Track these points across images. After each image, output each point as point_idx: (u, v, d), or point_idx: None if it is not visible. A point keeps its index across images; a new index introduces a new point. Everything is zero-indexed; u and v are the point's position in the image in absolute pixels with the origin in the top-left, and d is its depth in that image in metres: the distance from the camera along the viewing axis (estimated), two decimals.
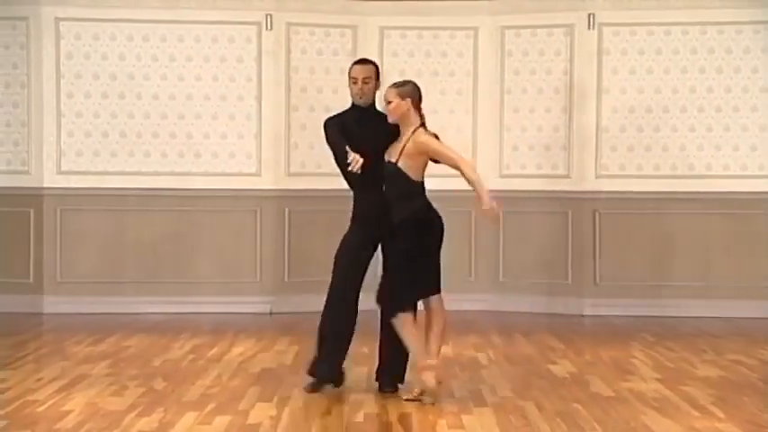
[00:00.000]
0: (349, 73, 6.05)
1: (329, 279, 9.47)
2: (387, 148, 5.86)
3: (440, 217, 5.77)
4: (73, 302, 8.95)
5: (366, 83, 5.95)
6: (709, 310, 8.91)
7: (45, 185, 9.07)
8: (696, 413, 5.48)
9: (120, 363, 6.76)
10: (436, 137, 5.78)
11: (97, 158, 9.12)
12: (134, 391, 5.91)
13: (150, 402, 5.62)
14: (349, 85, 6.04)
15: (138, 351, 7.21)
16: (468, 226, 9.33)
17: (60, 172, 9.10)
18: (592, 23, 9.11)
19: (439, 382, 5.66)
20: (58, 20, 9.06)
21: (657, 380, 6.33)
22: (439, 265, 5.76)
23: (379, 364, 6.03)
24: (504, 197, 9.26)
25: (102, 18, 9.07)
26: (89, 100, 9.12)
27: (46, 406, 5.53)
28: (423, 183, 5.78)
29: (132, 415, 5.34)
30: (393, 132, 5.86)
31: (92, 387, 5.99)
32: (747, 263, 9.03)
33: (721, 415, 5.43)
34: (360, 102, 5.99)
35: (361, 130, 5.88)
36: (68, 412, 5.39)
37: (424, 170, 5.79)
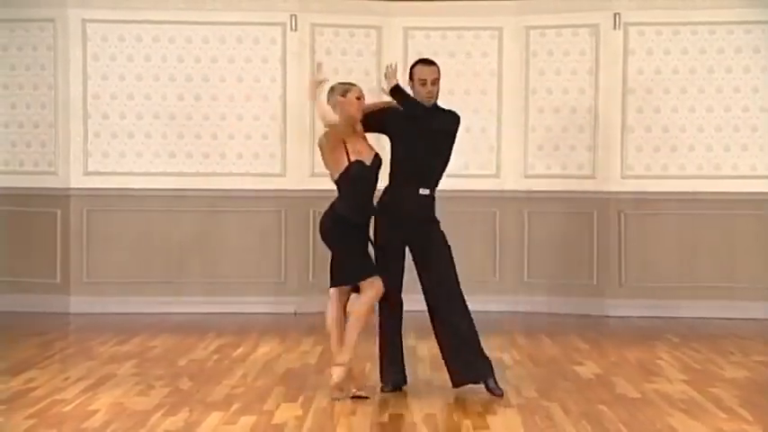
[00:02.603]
0: (412, 74, 5.95)
1: None
2: (439, 148, 5.90)
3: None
4: (99, 302, 8.99)
5: (434, 84, 5.91)
6: (735, 312, 8.84)
7: (72, 186, 9.12)
8: (723, 415, 5.43)
9: (146, 363, 6.79)
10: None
11: (123, 159, 9.16)
12: (160, 390, 5.92)
13: (176, 402, 5.63)
14: (414, 87, 5.93)
15: (163, 351, 7.23)
16: (493, 227, 9.30)
17: (87, 173, 9.14)
18: (617, 23, 9.05)
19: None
20: (84, 21, 9.11)
21: (684, 381, 6.28)
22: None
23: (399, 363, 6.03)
24: (528, 198, 9.27)
25: (128, 20, 9.11)
26: (115, 101, 9.16)
27: (73, 405, 5.55)
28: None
29: (158, 415, 5.36)
30: (449, 127, 5.90)
31: (118, 387, 6.01)
32: None
33: (749, 417, 5.38)
34: (428, 103, 5.92)
35: (414, 128, 5.85)
36: (95, 412, 5.41)
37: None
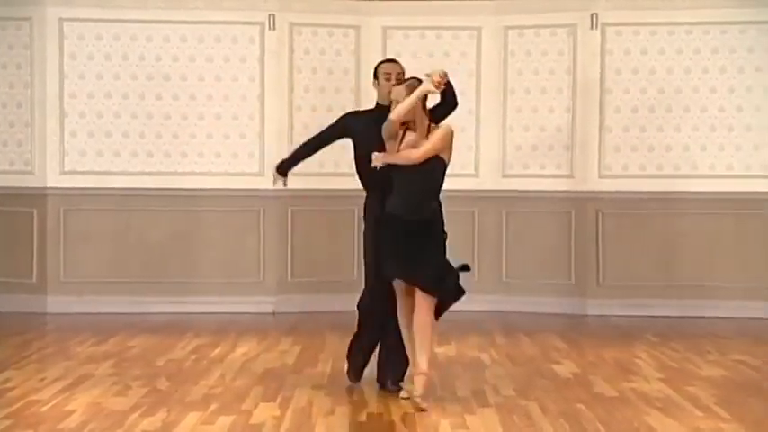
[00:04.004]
0: (378, 72, 6.02)
1: (332, 279, 9.49)
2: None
3: None
4: (76, 302, 8.94)
5: (399, 80, 5.94)
6: (713, 311, 8.88)
7: (48, 185, 9.07)
8: (700, 413, 5.46)
9: (124, 363, 6.75)
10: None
11: (100, 158, 9.12)
12: (137, 390, 5.90)
13: (154, 402, 5.61)
14: (378, 84, 6.01)
15: (141, 351, 7.20)
16: (472, 226, 9.32)
17: (64, 172, 9.09)
18: (595, 23, 9.09)
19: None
20: (61, 20, 9.06)
21: (661, 380, 6.31)
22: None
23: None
24: (507, 197, 9.29)
25: (106, 18, 9.06)
26: (92, 100, 9.11)
27: (49, 406, 5.52)
28: None
29: (135, 415, 5.33)
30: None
31: (95, 387, 5.98)
32: (751, 263, 9.00)
33: (725, 415, 5.41)
34: (388, 101, 5.93)
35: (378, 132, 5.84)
36: (72, 412, 5.38)
37: None
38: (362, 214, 6.09)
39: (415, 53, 9.32)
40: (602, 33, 9.10)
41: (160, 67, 9.13)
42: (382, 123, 5.69)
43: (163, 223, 9.12)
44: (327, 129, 6.25)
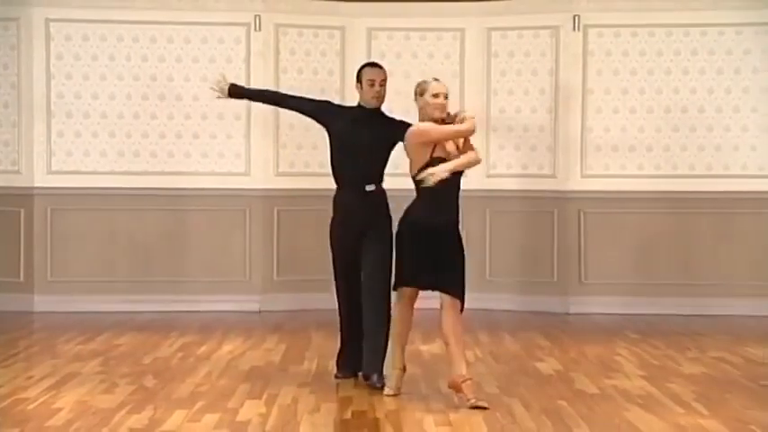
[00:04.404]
0: (361, 76, 6.02)
1: (318, 277, 9.49)
2: (383, 151, 5.95)
3: None
4: (63, 301, 8.92)
5: (382, 85, 5.98)
6: (693, 308, 8.93)
7: (35, 185, 9.04)
8: (680, 410, 5.49)
9: (111, 361, 6.74)
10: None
11: (87, 158, 9.09)
12: (124, 388, 5.89)
13: (140, 400, 5.60)
14: (361, 88, 6.02)
15: (128, 349, 7.18)
16: None
17: (51, 172, 9.07)
18: (577, 25, 9.12)
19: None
20: (48, 21, 9.03)
21: (642, 377, 6.34)
22: None
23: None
24: (490, 197, 9.31)
25: (92, 19, 9.04)
26: (79, 100, 9.09)
27: (36, 404, 5.51)
28: None
29: (122, 412, 5.32)
30: (392, 136, 5.92)
31: (82, 385, 5.97)
32: (730, 261, 9.05)
33: (705, 412, 5.44)
34: (374, 104, 5.99)
35: (363, 130, 5.91)
36: (59, 410, 5.37)
37: None
38: (333, 208, 6.13)
39: (400, 54, 9.34)
40: (584, 35, 9.13)
41: (147, 67, 9.11)
42: (360, 123, 5.87)
43: (149, 223, 9.11)
44: (309, 98, 6.29)
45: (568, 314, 9.03)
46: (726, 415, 5.37)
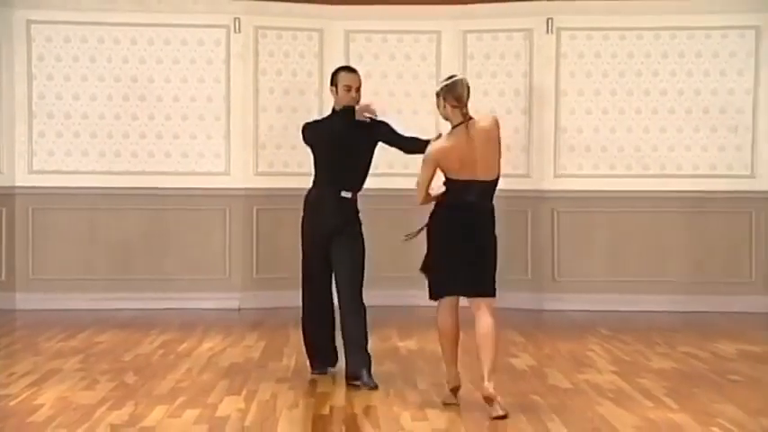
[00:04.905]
0: (337, 81, 6.00)
1: (296, 275, 9.46)
2: (366, 153, 5.96)
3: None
4: (45, 299, 8.88)
5: (358, 91, 5.99)
6: (662, 305, 8.99)
7: (17, 185, 8.99)
8: (650, 404, 5.53)
9: (92, 358, 6.72)
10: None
11: (69, 158, 9.06)
12: (105, 385, 5.87)
13: (121, 396, 5.59)
14: (336, 92, 6.02)
15: (109, 346, 7.16)
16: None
17: (32, 171, 9.02)
18: (550, 28, 9.16)
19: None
20: (29, 22, 8.98)
21: (613, 372, 6.38)
22: None
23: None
24: None
25: (74, 21, 9.00)
26: (60, 101, 9.05)
27: (18, 400, 5.49)
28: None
29: (103, 408, 5.31)
30: (374, 136, 5.95)
31: (63, 382, 5.95)
32: (699, 259, 9.12)
33: (674, 406, 5.49)
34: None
35: (343, 136, 5.90)
36: (40, 406, 5.35)
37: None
38: (303, 204, 6.11)
39: (377, 56, 9.35)
40: (557, 38, 9.17)
41: (127, 68, 9.08)
42: (339, 127, 5.85)
43: (130, 221, 9.08)
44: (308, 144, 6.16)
45: (542, 311, 9.07)
46: (694, 409, 5.41)
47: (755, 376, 6.29)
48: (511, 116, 9.24)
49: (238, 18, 9.14)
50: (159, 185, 9.09)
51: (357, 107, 5.91)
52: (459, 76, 5.52)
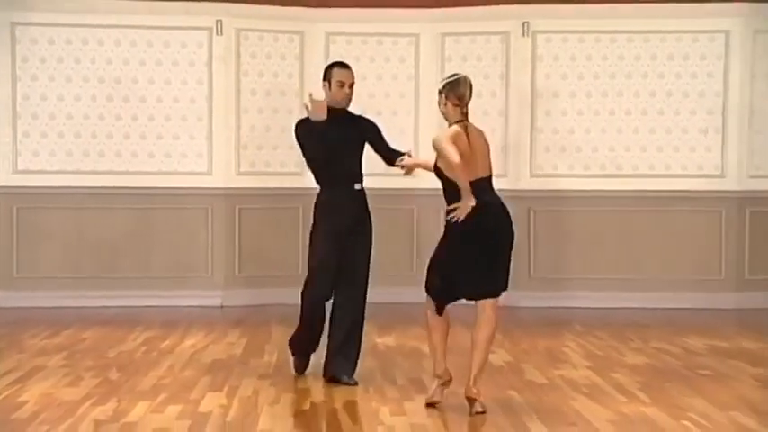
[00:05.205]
0: (330, 76, 5.84)
1: (278, 273, 9.45)
2: (359, 150, 5.84)
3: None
4: (29, 297, 8.82)
5: (351, 87, 5.85)
6: (636, 302, 9.02)
7: (1, 185, 8.92)
8: (623, 398, 5.55)
9: (76, 355, 6.68)
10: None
11: (53, 158, 9.00)
12: (89, 381, 5.84)
13: (105, 392, 5.55)
14: (329, 88, 5.83)
15: (93, 343, 7.12)
16: (411, 222, 9.36)
17: (17, 171, 8.96)
18: (526, 31, 9.17)
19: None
20: (14, 24, 8.92)
21: (588, 367, 6.39)
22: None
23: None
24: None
25: (58, 23, 8.94)
26: (45, 102, 8.99)
27: (2, 397, 5.44)
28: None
29: (87, 404, 5.28)
30: (363, 134, 5.85)
31: (47, 378, 5.90)
32: (670, 257, 9.16)
33: (647, 400, 5.51)
34: (343, 105, 5.85)
35: (339, 131, 5.77)
36: (24, 402, 5.31)
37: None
38: (314, 210, 5.89)
39: (358, 58, 9.32)
40: (533, 41, 9.19)
41: (111, 70, 9.03)
42: (335, 124, 5.69)
43: (114, 221, 9.03)
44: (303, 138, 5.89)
45: (519, 308, 9.08)
46: (666, 402, 5.43)
47: (724, 371, 6.32)
48: (488, 117, 9.23)
49: (220, 20, 9.10)
50: (143, 185, 9.04)
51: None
52: (462, 75, 5.39)
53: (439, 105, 5.42)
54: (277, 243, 9.23)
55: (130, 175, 9.04)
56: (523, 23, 9.16)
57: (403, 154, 5.88)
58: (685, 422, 5.04)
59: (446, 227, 5.33)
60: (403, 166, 5.84)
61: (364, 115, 6.09)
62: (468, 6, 9.24)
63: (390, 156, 5.92)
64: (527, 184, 9.19)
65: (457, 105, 5.34)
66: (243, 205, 9.20)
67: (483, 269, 5.25)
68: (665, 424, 5.02)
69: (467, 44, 9.31)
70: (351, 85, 5.86)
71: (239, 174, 9.19)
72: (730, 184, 9.13)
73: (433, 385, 5.40)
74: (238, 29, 9.14)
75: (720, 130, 9.15)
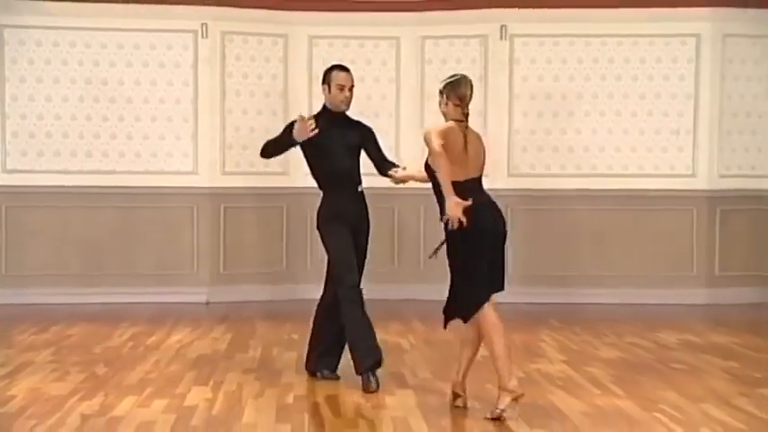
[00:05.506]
0: (330, 79, 5.72)
1: (262, 271, 9.41)
2: (358, 152, 5.76)
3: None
4: (18, 294, 8.78)
5: (351, 90, 5.75)
6: (610, 298, 9.07)
7: None
8: (598, 391, 5.58)
9: (63, 350, 6.66)
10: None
11: (41, 158, 8.97)
12: (76, 376, 5.82)
13: (92, 387, 5.54)
14: (329, 91, 5.72)
15: (80, 339, 7.10)
16: (392, 220, 9.37)
17: (5, 171, 8.92)
18: (504, 34, 9.21)
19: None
20: (1, 27, 8.88)
21: (563, 361, 6.42)
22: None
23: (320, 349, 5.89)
24: (425, 194, 9.32)
25: (46, 25, 8.91)
26: (33, 103, 8.95)
27: None
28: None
29: (74, 399, 5.26)
30: (361, 139, 5.76)
31: (35, 373, 5.88)
32: (643, 254, 9.22)
33: (620, 393, 5.54)
34: (342, 108, 5.77)
35: (339, 133, 5.70)
36: (13, 397, 5.29)
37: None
38: (317, 216, 5.76)
39: (340, 60, 9.25)
40: (511, 44, 9.22)
41: (98, 71, 9.00)
42: (335, 127, 5.63)
43: (102, 219, 9.00)
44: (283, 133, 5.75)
45: (496, 304, 9.10)
46: (639, 395, 5.47)
47: (696, 364, 6.36)
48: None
49: (206, 23, 9.09)
50: (129, 184, 9.02)
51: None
52: (463, 75, 5.32)
53: (440, 106, 5.35)
54: (261, 241, 9.23)
55: (117, 174, 9.02)
56: (501, 27, 9.19)
57: (396, 166, 5.84)
58: (657, 414, 5.07)
59: (446, 235, 5.29)
60: (395, 178, 5.78)
61: (362, 121, 6.01)
62: (447, 10, 9.27)
63: (383, 165, 5.83)
64: (505, 183, 9.22)
65: (458, 105, 5.28)
66: (228, 204, 9.19)
67: (494, 264, 5.30)
68: (639, 416, 5.05)
69: (446, 47, 9.33)
70: (350, 89, 5.75)
71: (224, 173, 9.18)
72: (701, 183, 9.20)
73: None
74: (223, 32, 9.13)
75: (692, 131, 9.21)
